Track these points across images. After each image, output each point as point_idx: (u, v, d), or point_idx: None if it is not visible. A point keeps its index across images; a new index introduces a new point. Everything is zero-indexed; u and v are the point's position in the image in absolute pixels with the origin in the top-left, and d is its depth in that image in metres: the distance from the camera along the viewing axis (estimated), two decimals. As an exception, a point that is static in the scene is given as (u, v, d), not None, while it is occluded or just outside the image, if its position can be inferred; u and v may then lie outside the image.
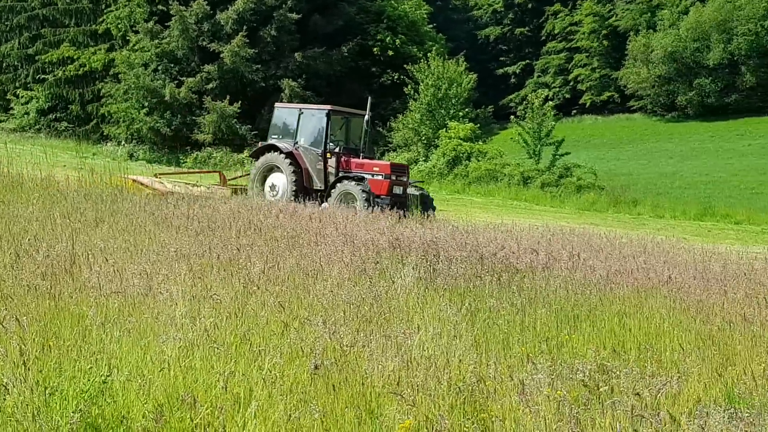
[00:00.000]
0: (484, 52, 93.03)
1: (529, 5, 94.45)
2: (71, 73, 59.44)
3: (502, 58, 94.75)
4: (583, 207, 37.94)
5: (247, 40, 54.19)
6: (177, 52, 55.95)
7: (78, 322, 7.54)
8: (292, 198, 22.41)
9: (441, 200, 30.33)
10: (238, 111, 52.78)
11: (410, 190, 24.10)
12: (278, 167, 23.65)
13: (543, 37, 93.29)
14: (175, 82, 55.05)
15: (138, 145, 54.19)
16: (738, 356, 8.39)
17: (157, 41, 55.68)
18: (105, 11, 60.79)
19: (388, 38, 61.47)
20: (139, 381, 6.16)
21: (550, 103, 51.35)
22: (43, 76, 61.19)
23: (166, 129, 53.21)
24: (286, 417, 5.64)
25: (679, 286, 11.26)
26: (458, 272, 10.62)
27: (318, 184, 23.53)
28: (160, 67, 55.73)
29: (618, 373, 7.23)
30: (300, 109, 25.09)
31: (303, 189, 23.05)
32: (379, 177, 23.07)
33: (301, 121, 24.29)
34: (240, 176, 29.05)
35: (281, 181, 23.59)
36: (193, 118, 53.98)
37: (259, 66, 54.88)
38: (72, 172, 23.76)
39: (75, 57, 60.06)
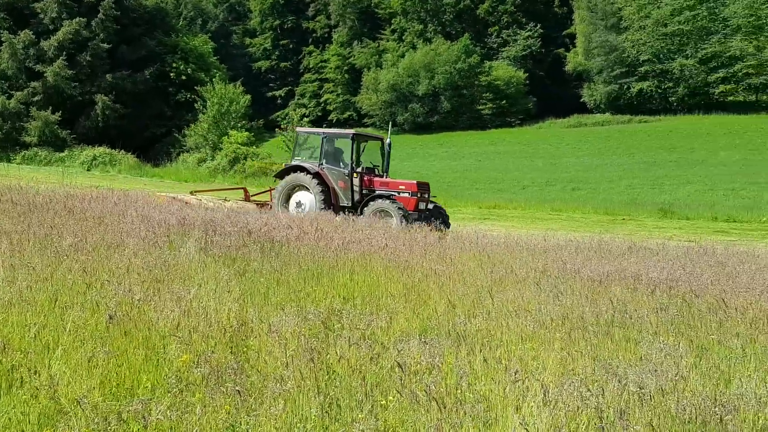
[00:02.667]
0: (257, 79, 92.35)
1: (291, 46, 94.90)
2: None
3: (270, 84, 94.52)
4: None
5: (67, 63, 54.07)
6: (7, 71, 54.82)
7: None
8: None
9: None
10: (59, 119, 52.74)
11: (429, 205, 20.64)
12: (304, 186, 19.94)
13: (301, 70, 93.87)
14: (6, 95, 53.87)
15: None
16: (430, 299, 8.67)
17: (-10, 62, 54.99)
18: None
19: (182, 66, 61.25)
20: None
21: (306, 119, 51.88)
22: None
23: (-2, 133, 52.41)
24: (86, 358, 5.29)
25: (392, 251, 11.54)
26: (231, 243, 10.38)
27: (344, 201, 19.85)
28: (-7, 83, 55.08)
29: (347, 314, 7.30)
30: (324, 134, 20.88)
31: (330, 206, 19.43)
32: (406, 194, 19.58)
33: (325, 144, 20.37)
34: (261, 193, 23.63)
35: (307, 198, 19.88)
36: (21, 124, 53.09)
37: (77, 84, 55.23)
38: None
39: None
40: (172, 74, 60.11)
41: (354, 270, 9.98)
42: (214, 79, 55.35)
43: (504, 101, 79.81)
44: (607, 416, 4.70)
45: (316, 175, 19.82)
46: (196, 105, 54.37)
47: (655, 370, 5.53)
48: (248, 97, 54.60)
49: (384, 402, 4.99)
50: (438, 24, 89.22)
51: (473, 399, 5.25)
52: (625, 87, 78.59)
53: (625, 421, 4.54)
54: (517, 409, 5.11)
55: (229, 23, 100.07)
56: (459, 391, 5.29)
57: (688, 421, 4.76)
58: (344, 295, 8.67)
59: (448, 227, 19.39)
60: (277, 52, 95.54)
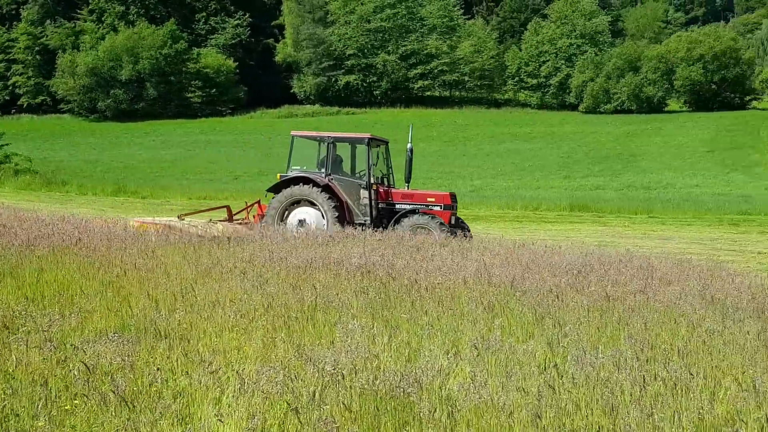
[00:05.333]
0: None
1: None
2: None
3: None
4: (20, 187, 35.12)
5: None
6: None
7: None
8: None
9: None
10: None
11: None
12: (308, 201, 16.63)
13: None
14: None
15: None
16: (131, 295, 8.31)
17: None
18: None
19: None
20: None
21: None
22: None
23: None
24: None
25: (88, 246, 10.89)
26: None
27: (361, 218, 16.78)
28: None
29: (32, 315, 6.76)
30: (330, 138, 17.28)
31: (344, 223, 16.23)
32: (437, 208, 16.95)
33: (332, 151, 17.09)
34: (242, 210, 18.75)
35: (312, 215, 16.57)
36: None
37: None
38: None
39: None
40: None
41: (42, 268, 9.26)
42: None
43: (214, 89, 78.93)
44: (302, 399, 4.85)
45: (326, 188, 16.52)
46: None
47: (351, 350, 5.81)
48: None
49: (69, 407, 4.68)
50: (141, 7, 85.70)
51: (171, 395, 5.13)
52: (333, 79, 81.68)
53: (320, 402, 4.71)
54: (216, 402, 5.08)
55: None
56: (154, 388, 5.14)
57: (380, 397, 5.06)
58: (29, 296, 8.01)
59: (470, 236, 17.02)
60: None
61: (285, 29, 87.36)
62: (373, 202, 16.76)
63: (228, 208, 18.26)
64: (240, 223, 17.26)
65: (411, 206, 16.86)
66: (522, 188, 42.11)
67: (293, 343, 6.37)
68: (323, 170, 16.95)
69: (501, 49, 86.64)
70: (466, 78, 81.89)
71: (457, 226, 16.87)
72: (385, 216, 16.91)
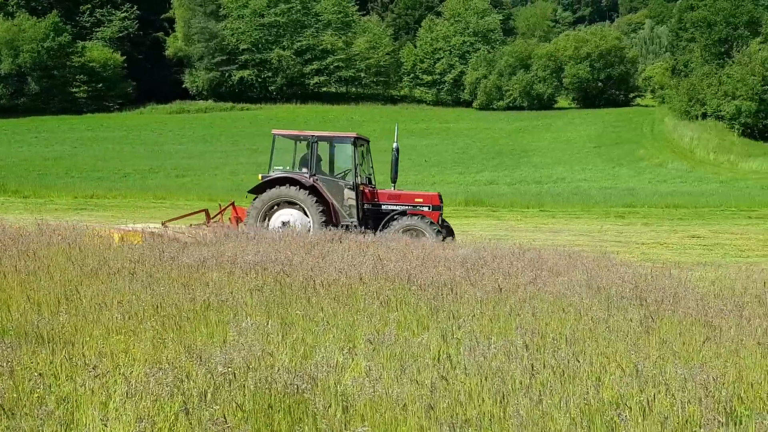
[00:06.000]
0: None
1: None
2: None
3: None
4: None
5: None
6: None
7: None
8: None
9: None
10: None
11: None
12: (291, 202, 16.02)
13: None
14: None
15: None
16: (11, 299, 7.93)
17: None
18: None
19: None
20: None
21: None
22: None
23: None
24: None
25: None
26: None
27: (348, 219, 16.28)
28: None
29: None
30: (313, 137, 16.72)
31: (330, 224, 15.72)
32: (426, 208, 16.64)
33: (315, 151, 16.48)
34: (218, 214, 17.64)
35: (296, 217, 15.95)
36: None
37: None
38: None
39: None
40: None
41: None
42: None
43: (101, 84, 76.26)
44: (192, 400, 4.76)
45: (312, 189, 16.07)
46: None
47: (244, 349, 5.74)
48: None
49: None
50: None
51: (54, 401, 4.93)
52: (227, 74, 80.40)
53: (211, 402, 4.63)
54: (103, 406, 4.92)
55: None
56: (36, 395, 4.93)
57: (274, 395, 5.03)
58: None
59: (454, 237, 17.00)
60: None
61: (175, 22, 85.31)
62: (351, 202, 16.43)
63: (206, 211, 17.55)
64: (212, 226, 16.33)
65: (397, 207, 16.60)
66: (419, 184, 42.66)
67: (184, 344, 6.24)
68: (304, 170, 16.47)
69: (396, 46, 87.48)
70: (362, 74, 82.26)
71: (443, 227, 16.70)
72: (371, 217, 16.60)
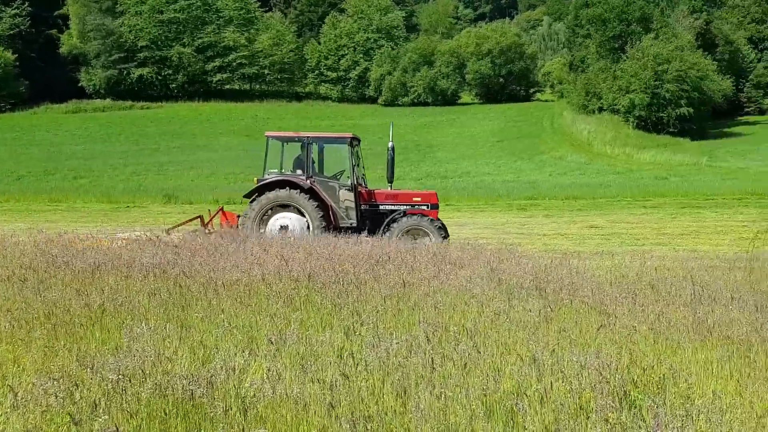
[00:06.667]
0: None
1: None
2: None
3: None
4: None
5: None
6: None
7: None
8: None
9: None
10: None
11: None
12: (288, 205, 15.67)
13: None
14: None
15: None
16: None
17: None
18: None
19: None
20: None
21: None
22: None
23: None
24: None
25: None
26: None
27: (346, 221, 15.97)
28: None
29: None
30: (307, 138, 16.30)
31: (329, 227, 15.39)
32: (424, 207, 16.37)
33: (310, 152, 16.12)
34: (212, 218, 16.98)
35: (294, 220, 15.61)
36: None
37: None
38: None
39: None
40: None
41: None
42: None
43: (-9, 83, 72.89)
44: (84, 410, 4.58)
45: (310, 192, 15.76)
46: None
47: (139, 355, 5.57)
48: None
49: None
50: None
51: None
52: (125, 72, 78.08)
53: (104, 411, 4.47)
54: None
55: None
56: None
57: (171, 401, 4.89)
58: None
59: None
60: None
61: (70, 19, 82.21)
62: (350, 204, 16.25)
63: (201, 218, 17.17)
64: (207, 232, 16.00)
65: (395, 207, 16.41)
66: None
67: (77, 351, 6.00)
68: (298, 172, 16.25)
69: (300, 43, 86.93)
70: (266, 71, 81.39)
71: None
72: (369, 218, 16.35)
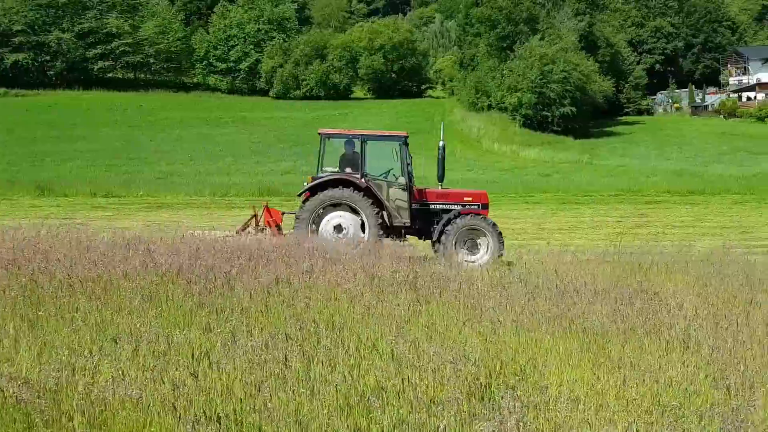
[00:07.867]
0: None
1: None
2: None
3: None
4: None
5: None
6: None
7: None
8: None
9: None
10: None
11: None
12: (342, 205, 15.03)
13: None
14: None
15: None
16: None
17: None
18: None
19: None
20: None
21: None
22: None
23: None
24: None
25: None
26: None
27: (400, 221, 15.43)
28: None
29: None
30: (362, 137, 15.73)
31: (387, 228, 15.09)
32: (476, 206, 15.81)
33: (367, 151, 15.48)
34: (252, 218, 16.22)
35: (349, 220, 15.00)
36: None
37: None
38: None
39: None
40: None
41: None
42: None
43: None
44: None
45: (367, 191, 15.05)
46: None
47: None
48: None
49: None
50: None
51: None
52: (-1, 58, 74.30)
53: None
54: None
55: None
56: None
57: (6, 408, 4.61)
58: None
59: None
60: None
61: (-64, -1, 77.50)
62: (402, 204, 15.67)
63: (255, 216, 16.35)
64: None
65: (447, 206, 15.89)
66: (213, 174, 41.81)
67: None
68: (348, 170, 15.57)
69: (188, 32, 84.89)
70: (152, 60, 79.11)
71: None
72: (419, 217, 15.82)
